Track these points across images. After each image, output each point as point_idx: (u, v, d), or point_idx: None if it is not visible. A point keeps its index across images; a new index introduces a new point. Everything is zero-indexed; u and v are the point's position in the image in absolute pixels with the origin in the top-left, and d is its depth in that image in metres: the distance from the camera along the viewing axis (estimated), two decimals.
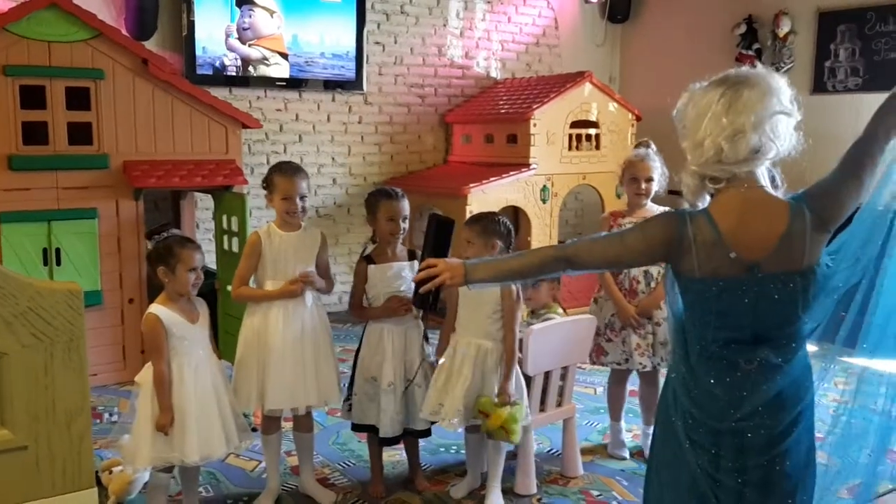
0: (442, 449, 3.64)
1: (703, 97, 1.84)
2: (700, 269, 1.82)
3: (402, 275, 3.11)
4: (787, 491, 1.90)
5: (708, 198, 1.90)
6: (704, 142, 1.80)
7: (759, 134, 1.78)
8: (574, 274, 2.02)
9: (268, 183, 3.06)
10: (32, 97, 4.13)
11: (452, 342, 3.10)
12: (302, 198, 3.03)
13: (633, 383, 3.72)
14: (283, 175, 3.03)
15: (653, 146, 3.55)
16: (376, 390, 3.09)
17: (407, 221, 3.13)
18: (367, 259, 3.14)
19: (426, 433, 3.24)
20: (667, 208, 3.56)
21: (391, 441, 3.18)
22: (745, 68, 1.91)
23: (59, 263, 4.19)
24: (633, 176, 3.48)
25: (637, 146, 3.62)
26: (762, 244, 1.80)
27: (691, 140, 1.85)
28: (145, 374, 2.77)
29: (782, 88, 1.82)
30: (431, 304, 2.20)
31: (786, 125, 1.81)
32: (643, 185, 3.45)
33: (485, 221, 3.06)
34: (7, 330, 1.08)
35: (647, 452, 3.58)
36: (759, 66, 1.88)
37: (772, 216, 1.81)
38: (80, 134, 4.26)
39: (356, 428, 3.22)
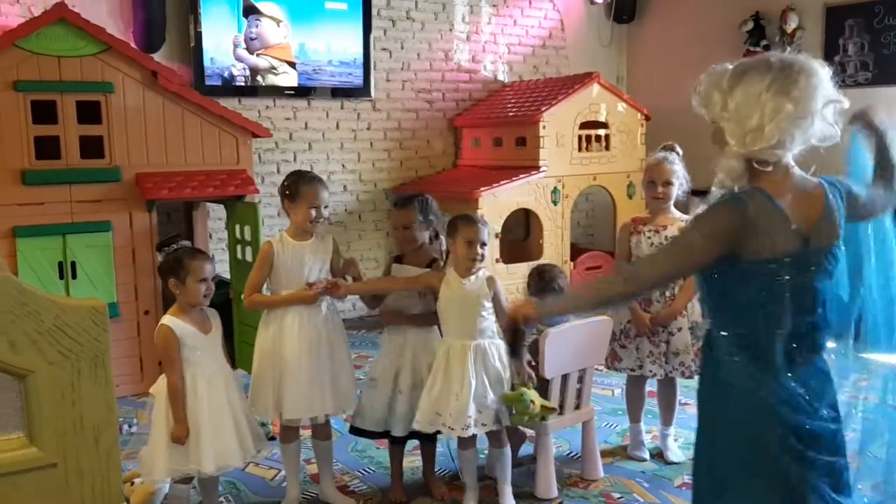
0: None
1: (750, 82, 1.82)
2: (767, 248, 1.80)
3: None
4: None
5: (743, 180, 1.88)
6: (764, 127, 1.78)
7: (819, 119, 1.79)
8: (640, 297, 2.00)
9: (291, 192, 3.05)
10: (44, 112, 4.15)
11: (440, 345, 3.04)
12: (325, 207, 3.06)
13: (651, 385, 3.70)
14: (310, 184, 3.04)
15: (678, 149, 3.47)
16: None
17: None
18: (397, 259, 3.22)
19: (433, 438, 3.23)
20: (687, 216, 3.54)
21: (366, 435, 3.19)
22: (781, 53, 1.89)
23: (74, 277, 4.21)
24: (650, 179, 3.44)
25: (661, 149, 3.52)
26: (811, 217, 1.85)
27: (740, 125, 1.83)
28: (160, 386, 2.79)
29: (827, 76, 1.83)
30: (516, 347, 2.50)
31: (835, 112, 1.83)
32: (660, 189, 3.40)
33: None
34: (33, 348, 1.08)
35: (666, 454, 3.58)
36: (788, 49, 1.89)
37: (813, 192, 1.87)
38: (91, 147, 4.28)
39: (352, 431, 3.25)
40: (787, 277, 1.81)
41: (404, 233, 3.13)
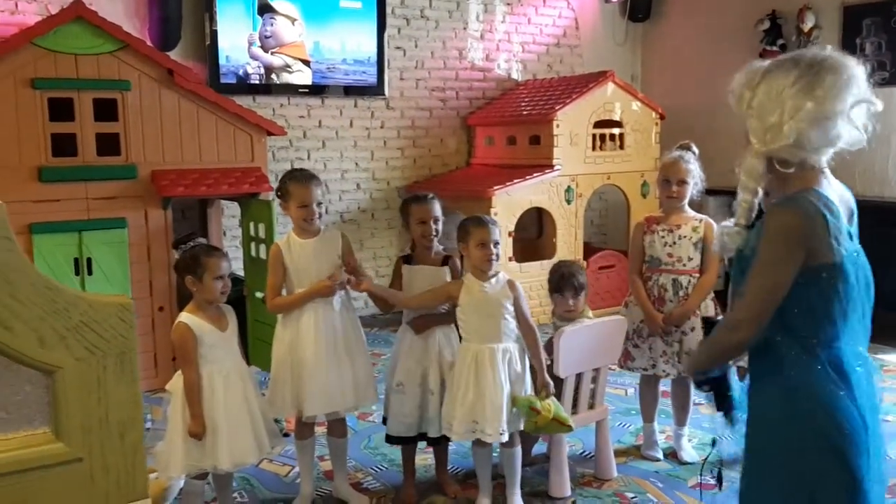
0: None
1: (776, 78, 1.78)
2: (835, 251, 1.75)
3: (434, 279, 3.12)
4: None
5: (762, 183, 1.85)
6: (783, 125, 1.74)
7: (844, 120, 1.74)
8: (756, 335, 1.87)
9: (282, 192, 3.07)
10: (61, 109, 4.18)
11: (466, 352, 2.99)
12: (318, 204, 3.05)
13: (664, 384, 3.69)
14: (298, 183, 3.03)
15: (694, 148, 3.45)
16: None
17: (439, 223, 3.14)
18: (406, 259, 3.19)
19: (448, 438, 3.22)
20: (703, 216, 3.52)
21: (399, 441, 3.18)
22: (816, 50, 1.82)
23: (90, 273, 4.23)
24: (665, 177, 3.43)
25: (678, 148, 3.51)
26: (847, 215, 1.84)
27: (762, 122, 1.79)
28: (176, 383, 2.80)
29: (861, 74, 1.77)
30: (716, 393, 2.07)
31: (864, 113, 1.77)
32: (674, 188, 3.39)
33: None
34: (61, 344, 1.09)
35: (680, 454, 3.56)
36: (830, 48, 1.81)
37: (844, 193, 1.87)
38: (108, 145, 4.30)
39: (385, 420, 3.26)
40: (856, 275, 1.79)
41: (426, 227, 3.12)
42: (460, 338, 3.11)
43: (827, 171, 1.83)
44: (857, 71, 1.76)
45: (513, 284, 3.01)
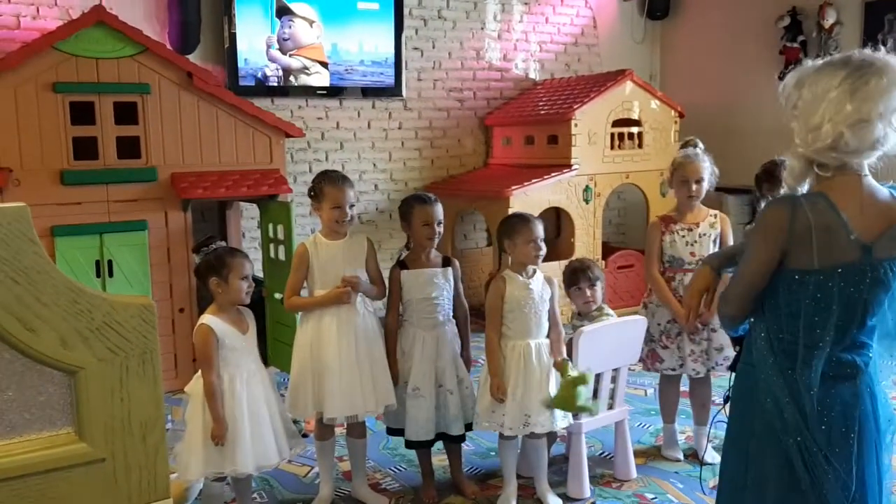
0: (493, 453, 3.63)
1: (822, 78, 1.76)
2: (819, 258, 1.75)
3: (434, 281, 3.14)
4: None
5: (807, 182, 1.83)
6: (822, 127, 1.73)
7: (885, 125, 1.71)
8: (741, 318, 1.92)
9: (315, 192, 3.08)
10: (82, 113, 4.22)
11: (513, 349, 3.03)
12: (351, 206, 3.06)
13: (684, 384, 3.67)
14: (332, 184, 3.05)
15: (700, 144, 3.48)
16: (401, 394, 3.13)
17: (441, 226, 3.15)
18: (401, 265, 3.18)
19: (461, 438, 3.24)
20: (716, 211, 3.53)
21: (423, 444, 3.19)
22: (869, 52, 1.79)
23: (111, 275, 4.27)
24: (683, 178, 3.41)
25: (684, 145, 3.53)
26: (877, 228, 1.77)
27: (804, 122, 1.78)
28: (195, 386, 2.80)
29: None
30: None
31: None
32: (694, 187, 3.39)
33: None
34: (84, 345, 1.10)
35: (700, 454, 3.54)
36: (883, 50, 1.79)
37: (886, 202, 1.79)
38: (128, 148, 4.34)
39: (390, 431, 3.28)
40: (837, 288, 1.76)
41: (430, 229, 3.12)
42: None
43: (869, 178, 1.79)
44: None
45: (551, 280, 3.12)
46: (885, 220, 1.77)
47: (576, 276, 3.37)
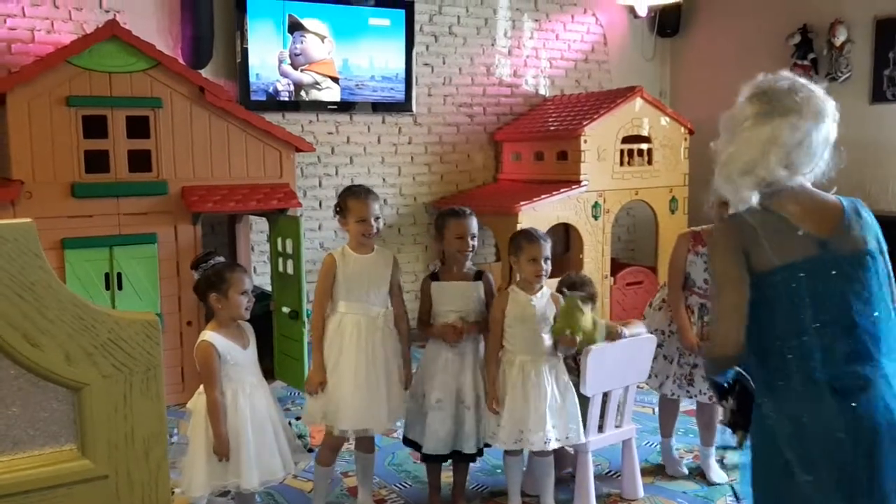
0: (499, 470, 3.61)
1: (737, 111, 1.89)
2: (777, 255, 1.79)
3: (466, 294, 3.13)
4: None
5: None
6: (733, 161, 1.86)
7: (784, 160, 1.81)
8: (740, 355, 1.87)
9: (341, 207, 3.12)
10: (94, 127, 4.25)
11: (512, 363, 3.04)
12: (376, 219, 3.09)
13: (692, 403, 3.65)
14: (356, 198, 3.09)
15: None
16: (422, 406, 3.12)
17: (475, 239, 3.15)
18: (433, 276, 3.19)
19: (473, 458, 3.22)
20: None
21: (437, 458, 3.17)
22: (773, 79, 1.90)
23: (120, 288, 4.29)
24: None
25: None
26: (827, 224, 1.83)
27: (723, 151, 1.90)
28: (197, 401, 2.79)
29: (819, 109, 1.83)
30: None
31: (821, 144, 1.84)
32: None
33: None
34: (88, 361, 1.10)
35: (709, 475, 3.51)
36: (786, 74, 1.91)
37: (827, 204, 1.87)
38: (139, 161, 4.37)
39: (406, 442, 3.26)
40: (805, 283, 1.78)
41: (464, 242, 3.13)
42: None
43: (807, 185, 1.88)
44: (813, 106, 1.83)
45: (556, 299, 3.10)
46: (833, 218, 1.84)
47: (574, 290, 3.36)
